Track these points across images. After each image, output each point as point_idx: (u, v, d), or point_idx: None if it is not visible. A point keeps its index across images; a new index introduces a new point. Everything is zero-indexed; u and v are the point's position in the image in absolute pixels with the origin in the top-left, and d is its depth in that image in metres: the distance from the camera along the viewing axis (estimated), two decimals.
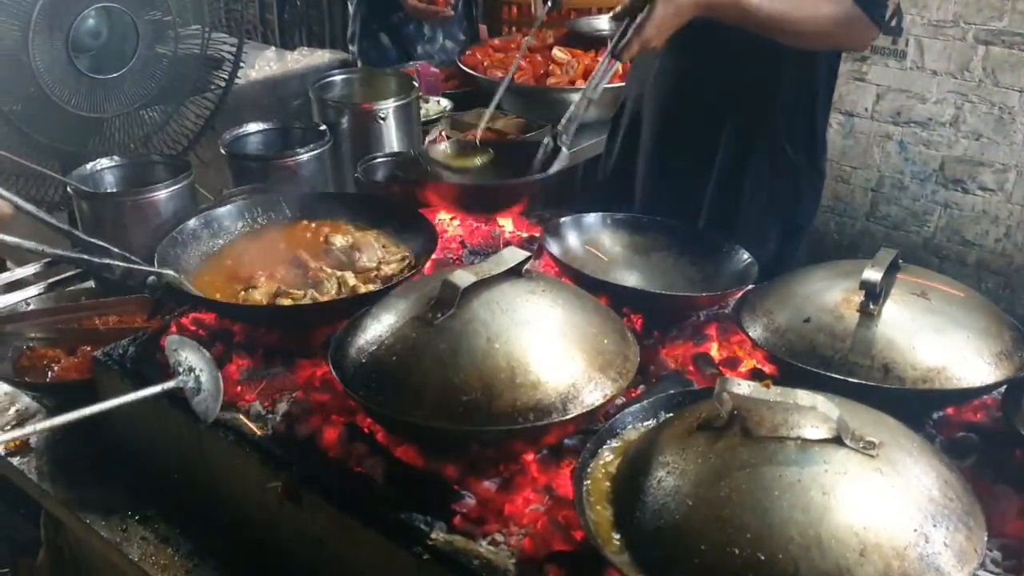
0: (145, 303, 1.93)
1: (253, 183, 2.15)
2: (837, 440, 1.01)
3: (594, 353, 1.26)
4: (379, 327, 1.31)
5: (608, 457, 1.19)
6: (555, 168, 1.91)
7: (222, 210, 1.80)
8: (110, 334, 1.84)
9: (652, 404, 1.26)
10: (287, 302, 1.56)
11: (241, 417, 1.42)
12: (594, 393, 1.22)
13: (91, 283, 2.15)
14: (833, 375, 1.29)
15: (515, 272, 1.34)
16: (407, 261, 1.73)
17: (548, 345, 1.24)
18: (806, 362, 1.33)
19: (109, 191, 2.10)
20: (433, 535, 1.19)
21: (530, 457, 1.29)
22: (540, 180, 1.89)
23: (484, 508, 1.23)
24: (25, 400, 1.82)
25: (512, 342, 1.23)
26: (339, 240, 1.75)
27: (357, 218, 1.86)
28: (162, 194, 2.01)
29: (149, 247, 1.97)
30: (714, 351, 1.56)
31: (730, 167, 2.11)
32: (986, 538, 0.97)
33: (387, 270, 1.70)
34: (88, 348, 1.83)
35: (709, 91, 2.08)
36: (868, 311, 1.34)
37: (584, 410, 1.20)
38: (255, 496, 1.38)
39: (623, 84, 2.47)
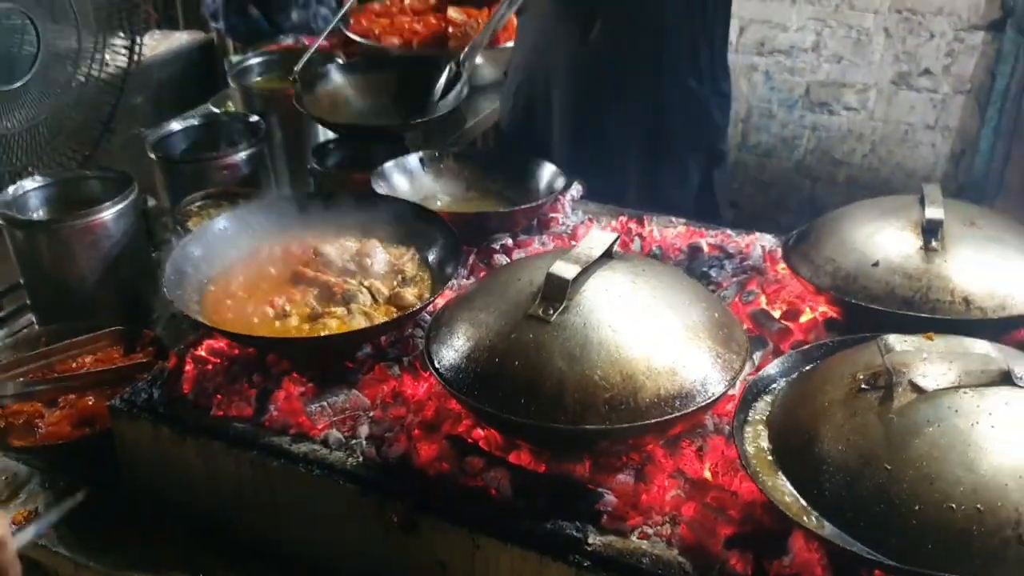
0: (120, 336, 1.72)
1: (187, 187, 1.95)
2: (1006, 382, 1.04)
3: (714, 328, 1.24)
4: (478, 330, 1.23)
5: (755, 429, 1.18)
6: (454, 94, 2.07)
7: (216, 230, 1.61)
8: (94, 378, 1.62)
9: (781, 369, 1.25)
10: (334, 323, 1.43)
11: (321, 449, 1.30)
12: (726, 369, 1.20)
13: (31, 317, 1.90)
14: (919, 314, 1.33)
15: (607, 254, 1.29)
16: (419, 258, 1.62)
17: (672, 327, 1.21)
18: (888, 305, 1.36)
19: (42, 217, 1.84)
20: (590, 540, 1.14)
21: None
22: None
23: (625, 503, 1.19)
24: (10, 465, 1.57)
25: (638, 329, 1.18)
26: (330, 250, 1.61)
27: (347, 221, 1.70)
28: (108, 215, 1.78)
29: (100, 279, 1.76)
30: (764, 303, 1.57)
31: (648, 116, 2.18)
32: None
33: (409, 270, 1.59)
34: (72, 397, 1.61)
35: (617, 57, 2.12)
36: (932, 248, 1.38)
37: (724, 388, 1.18)
38: (355, 531, 1.27)
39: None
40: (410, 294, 1.51)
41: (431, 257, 1.61)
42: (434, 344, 1.27)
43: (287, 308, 1.48)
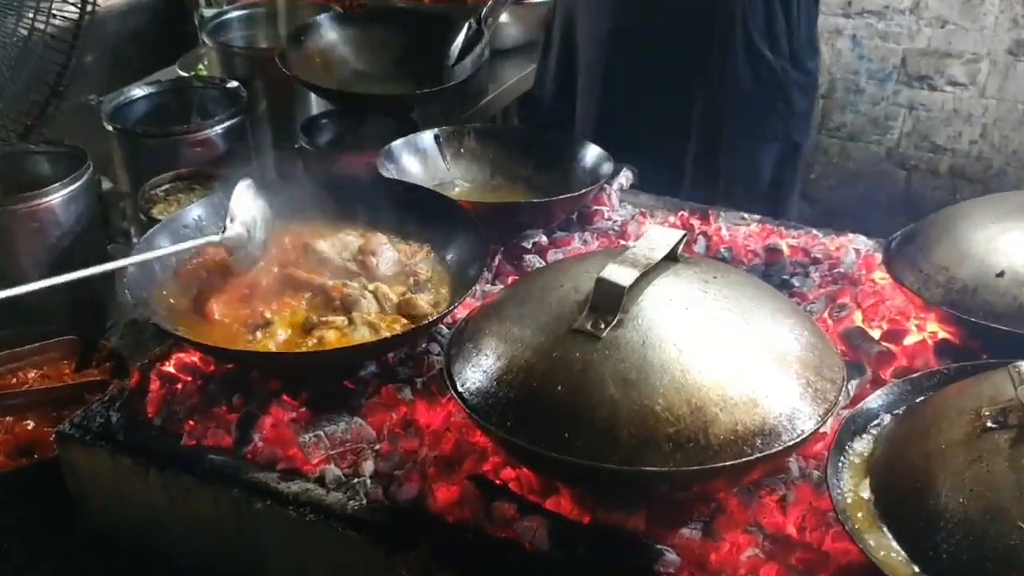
0: (71, 347, 1.73)
1: (151, 167, 1.96)
2: None
3: (804, 350, 1.22)
4: (511, 347, 1.23)
5: (853, 474, 1.16)
6: (472, 58, 2.11)
7: (187, 220, 1.61)
8: (38, 397, 1.63)
9: (885, 402, 1.24)
10: (332, 335, 1.43)
11: (316, 488, 1.30)
12: (817, 401, 1.19)
13: None
14: None
15: (671, 257, 1.28)
16: (435, 257, 1.62)
17: (752, 348, 1.20)
18: (1016, 324, 1.34)
19: None
20: None
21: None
22: None
23: (689, 563, 1.18)
24: None
25: (710, 349, 1.18)
26: (325, 247, 1.61)
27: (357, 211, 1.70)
28: (55, 199, 1.79)
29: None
30: (859, 320, 1.57)
31: (711, 95, 2.17)
32: None
33: (422, 272, 1.59)
34: (9, 420, 1.62)
35: (678, 20, 2.12)
36: None
37: (816, 424, 1.17)
38: None
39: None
40: (424, 301, 1.51)
41: (450, 256, 1.61)
42: (456, 363, 1.26)
43: (271, 317, 1.48)
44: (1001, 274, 1.40)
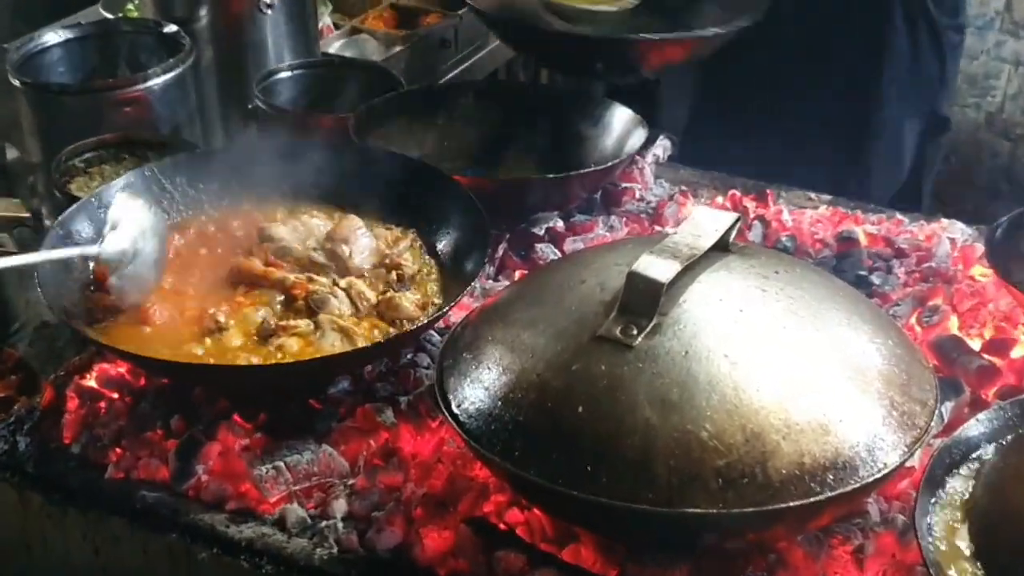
0: None
1: (69, 132, 1.95)
2: None
3: (886, 365, 1.22)
4: (519, 358, 1.23)
5: (948, 519, 1.16)
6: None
7: (115, 198, 1.61)
8: None
9: (988, 429, 1.24)
10: (295, 343, 1.44)
11: (275, 533, 1.30)
12: (903, 428, 1.18)
13: None
14: None
15: (721, 246, 1.28)
16: (422, 245, 1.63)
17: (822, 362, 1.19)
18: None
19: None
20: None
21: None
22: None
23: None
24: None
25: (769, 363, 1.17)
26: (283, 232, 1.61)
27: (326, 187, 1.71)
28: None
29: None
30: (955, 327, 1.57)
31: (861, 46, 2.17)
32: None
33: (408, 264, 1.59)
34: None
35: None
36: None
37: (901, 457, 1.16)
38: None
39: None
40: (409, 301, 1.51)
41: (441, 245, 1.61)
42: (451, 378, 1.26)
43: (224, 321, 1.47)
44: None
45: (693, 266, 1.24)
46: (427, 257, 1.61)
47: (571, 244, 1.75)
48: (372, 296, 1.52)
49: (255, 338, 1.46)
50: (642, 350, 1.17)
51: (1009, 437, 1.25)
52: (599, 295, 1.24)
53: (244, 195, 1.65)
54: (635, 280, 1.20)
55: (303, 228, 1.63)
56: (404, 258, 1.60)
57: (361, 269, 1.58)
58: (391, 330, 1.47)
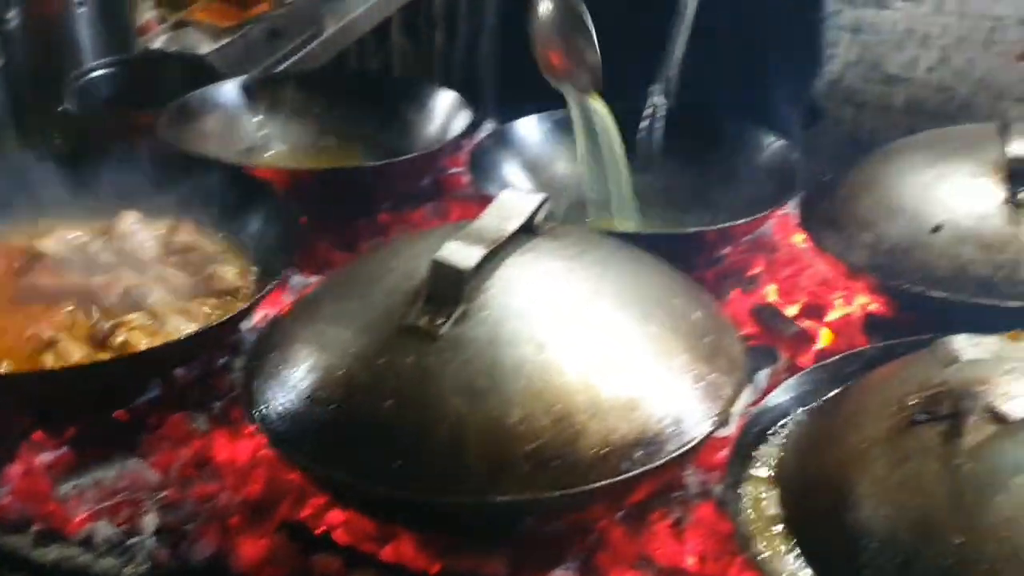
0: None
1: None
2: None
3: (693, 337, 1.23)
4: (327, 355, 1.21)
5: (758, 488, 1.17)
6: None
7: None
8: None
9: (797, 394, 1.25)
10: (138, 336, 1.40)
11: (82, 553, 1.27)
12: (712, 398, 1.19)
13: None
14: (1005, 303, 1.35)
15: (527, 229, 1.27)
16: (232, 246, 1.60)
17: (629, 339, 1.20)
18: (957, 290, 1.37)
19: None
20: None
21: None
22: None
23: None
24: None
25: (577, 344, 1.17)
26: (55, 246, 1.56)
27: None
28: None
29: None
30: (773, 295, 1.59)
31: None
32: None
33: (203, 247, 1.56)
34: None
35: None
36: (1021, 201, 1.40)
37: (711, 428, 1.17)
38: None
39: None
40: (228, 272, 1.49)
41: (250, 241, 1.59)
42: (258, 379, 1.24)
43: (56, 335, 1.42)
44: (937, 229, 1.42)
45: (499, 250, 1.23)
46: (236, 255, 1.58)
47: (400, 234, 1.73)
48: (186, 279, 1.49)
49: (92, 343, 1.42)
50: (448, 339, 1.16)
51: (818, 402, 1.26)
52: (406, 285, 1.22)
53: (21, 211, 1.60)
54: (439, 268, 1.18)
55: (77, 240, 1.58)
56: (200, 242, 1.58)
57: (156, 259, 1.54)
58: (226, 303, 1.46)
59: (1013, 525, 0.98)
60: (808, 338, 1.50)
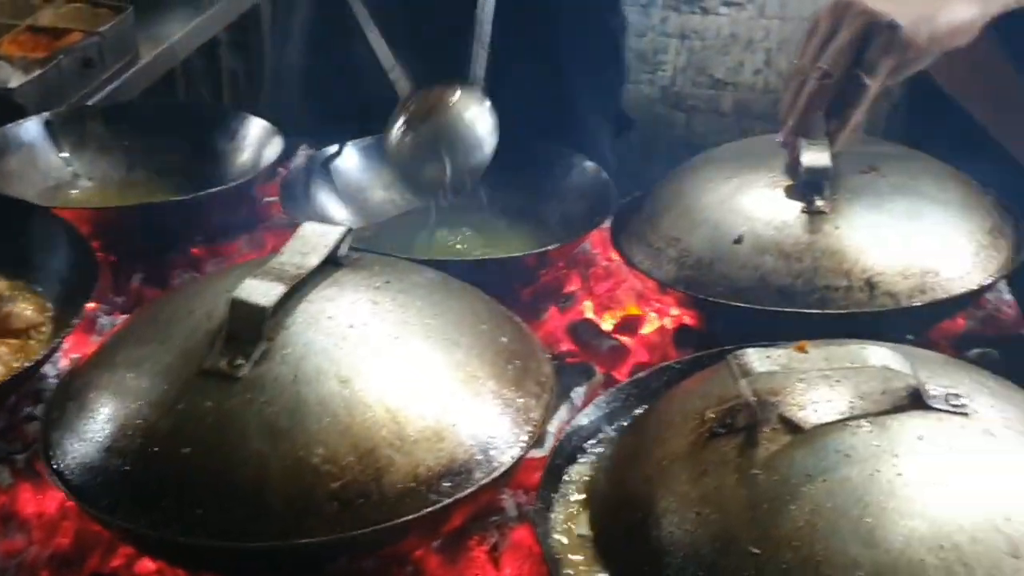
0: None
1: None
2: (917, 405, 1.08)
3: (500, 362, 1.23)
4: (125, 402, 1.18)
5: (568, 508, 1.18)
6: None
7: None
8: None
9: (606, 411, 1.27)
10: None
11: None
12: (520, 422, 1.20)
13: None
14: (804, 310, 1.38)
15: (331, 261, 1.26)
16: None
17: (435, 369, 1.19)
18: (758, 300, 1.40)
19: None
20: None
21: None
22: None
23: None
24: None
25: (380, 377, 1.16)
26: None
27: None
28: None
29: None
30: (589, 311, 1.60)
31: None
32: None
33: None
34: None
35: None
36: (816, 209, 1.44)
37: (521, 451, 1.18)
38: None
39: None
40: (28, 311, 1.46)
41: (52, 285, 1.54)
42: (56, 431, 1.20)
43: None
44: (739, 240, 1.45)
45: (301, 285, 1.21)
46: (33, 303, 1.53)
47: (215, 267, 1.70)
48: None
49: None
50: (250, 380, 1.14)
51: (627, 418, 1.28)
52: (206, 326, 1.20)
53: None
54: (238, 307, 1.17)
55: None
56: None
57: None
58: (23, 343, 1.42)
59: (805, 533, 1.00)
60: (625, 352, 1.51)
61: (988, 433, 1.07)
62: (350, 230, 1.30)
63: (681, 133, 4.38)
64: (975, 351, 1.47)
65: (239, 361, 1.15)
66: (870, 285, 1.40)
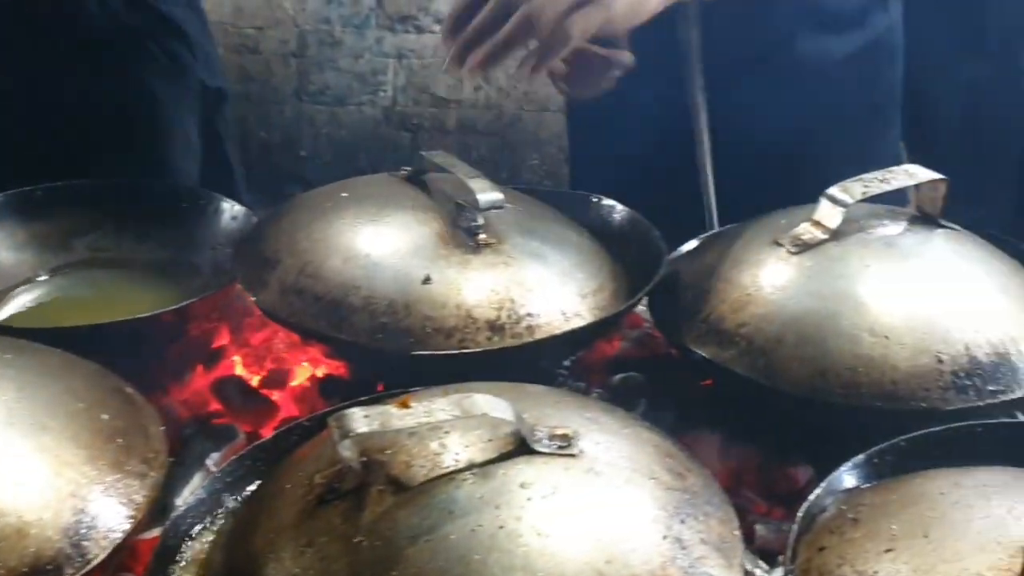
0: None
1: None
2: (523, 450, 1.06)
3: (98, 444, 1.16)
4: None
5: None
6: None
7: None
8: None
9: (224, 483, 1.21)
10: None
11: None
12: (118, 508, 1.12)
13: None
14: (442, 352, 1.35)
15: None
16: None
17: (16, 457, 1.11)
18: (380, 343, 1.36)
19: None
20: None
21: None
22: None
23: None
24: None
25: None
26: None
27: None
28: None
29: None
30: (239, 367, 1.54)
31: None
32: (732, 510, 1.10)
33: None
34: None
35: None
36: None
37: (121, 537, 1.10)
38: None
39: None
40: None
41: None
42: None
43: None
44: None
45: None
46: None
47: None
48: None
49: None
50: None
51: (249, 486, 1.22)
52: None
53: None
54: None
55: None
56: None
57: None
58: None
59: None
60: (272, 408, 1.45)
61: (592, 472, 1.06)
62: None
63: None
64: (619, 376, 1.47)
65: None
66: (491, 327, 1.38)
